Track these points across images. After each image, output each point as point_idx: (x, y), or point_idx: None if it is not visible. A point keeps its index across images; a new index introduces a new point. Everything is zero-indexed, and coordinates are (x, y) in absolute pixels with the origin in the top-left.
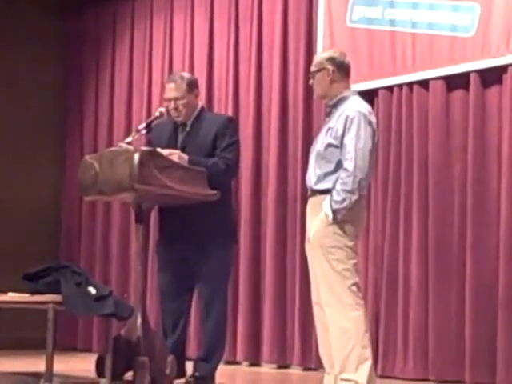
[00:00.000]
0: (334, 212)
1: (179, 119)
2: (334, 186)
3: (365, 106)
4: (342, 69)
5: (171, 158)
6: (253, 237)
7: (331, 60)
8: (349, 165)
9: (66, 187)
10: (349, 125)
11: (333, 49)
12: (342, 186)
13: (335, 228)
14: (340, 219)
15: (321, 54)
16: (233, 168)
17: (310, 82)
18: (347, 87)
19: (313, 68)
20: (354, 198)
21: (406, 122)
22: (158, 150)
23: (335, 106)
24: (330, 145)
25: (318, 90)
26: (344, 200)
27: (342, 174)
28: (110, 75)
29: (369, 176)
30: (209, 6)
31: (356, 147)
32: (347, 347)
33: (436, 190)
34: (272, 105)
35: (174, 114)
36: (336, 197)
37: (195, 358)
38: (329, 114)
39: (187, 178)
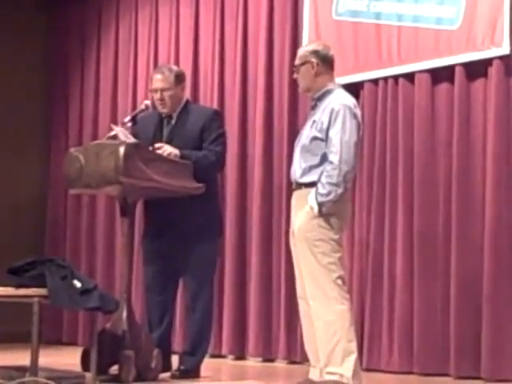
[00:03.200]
0: (320, 205)
1: (164, 111)
2: (319, 179)
3: (350, 99)
4: (326, 62)
5: (163, 152)
6: (238, 229)
7: (315, 53)
8: (334, 158)
9: (51, 180)
10: (334, 118)
11: (316, 42)
12: (328, 178)
13: (320, 221)
14: (325, 212)
15: (304, 47)
16: (221, 160)
17: (294, 75)
18: (331, 80)
19: (297, 61)
20: (340, 191)
21: (392, 115)
22: (156, 145)
23: (320, 99)
24: (315, 138)
25: (302, 84)
26: (329, 193)
27: (327, 166)
28: (95, 68)
29: (354, 169)
30: None
31: (341, 140)
32: (332, 341)
33: (421, 183)
34: (257, 97)
35: (159, 105)
36: (321, 190)
37: (180, 351)
38: (313, 108)
39: (173, 171)
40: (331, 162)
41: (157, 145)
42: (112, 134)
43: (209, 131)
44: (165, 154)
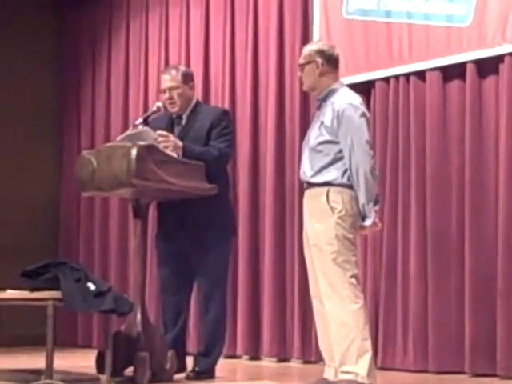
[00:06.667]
0: (370, 215)
1: (174, 110)
2: (333, 178)
3: (355, 98)
4: (331, 62)
5: (167, 144)
6: (251, 229)
7: (320, 53)
8: (351, 162)
9: (64, 183)
10: (342, 119)
11: (322, 41)
12: (361, 189)
13: (335, 220)
14: (340, 213)
15: (309, 46)
16: (224, 156)
17: (298, 74)
18: (336, 80)
19: (301, 60)
20: (374, 186)
21: (403, 113)
22: (158, 132)
23: (324, 99)
24: (325, 141)
25: (306, 83)
26: (370, 197)
27: (351, 176)
28: (106, 69)
29: (373, 161)
30: None
31: (353, 141)
32: (347, 340)
33: (434, 181)
34: (269, 97)
35: (168, 104)
36: (366, 206)
37: (195, 352)
38: (319, 108)
39: (185, 173)
40: (352, 170)
41: (159, 132)
42: (153, 109)
43: (215, 130)
44: (169, 143)
